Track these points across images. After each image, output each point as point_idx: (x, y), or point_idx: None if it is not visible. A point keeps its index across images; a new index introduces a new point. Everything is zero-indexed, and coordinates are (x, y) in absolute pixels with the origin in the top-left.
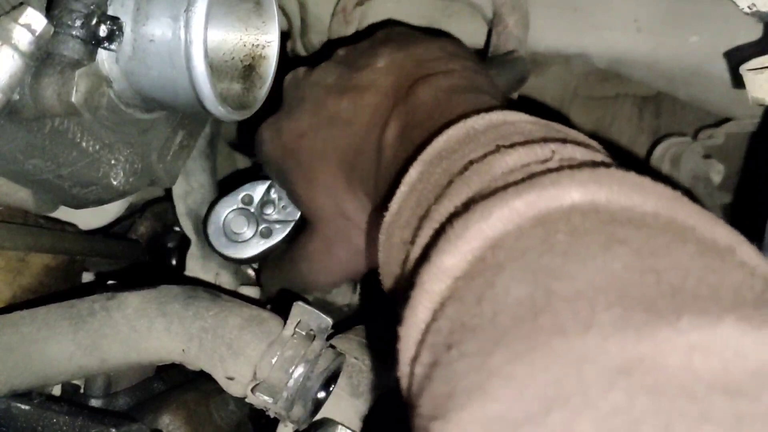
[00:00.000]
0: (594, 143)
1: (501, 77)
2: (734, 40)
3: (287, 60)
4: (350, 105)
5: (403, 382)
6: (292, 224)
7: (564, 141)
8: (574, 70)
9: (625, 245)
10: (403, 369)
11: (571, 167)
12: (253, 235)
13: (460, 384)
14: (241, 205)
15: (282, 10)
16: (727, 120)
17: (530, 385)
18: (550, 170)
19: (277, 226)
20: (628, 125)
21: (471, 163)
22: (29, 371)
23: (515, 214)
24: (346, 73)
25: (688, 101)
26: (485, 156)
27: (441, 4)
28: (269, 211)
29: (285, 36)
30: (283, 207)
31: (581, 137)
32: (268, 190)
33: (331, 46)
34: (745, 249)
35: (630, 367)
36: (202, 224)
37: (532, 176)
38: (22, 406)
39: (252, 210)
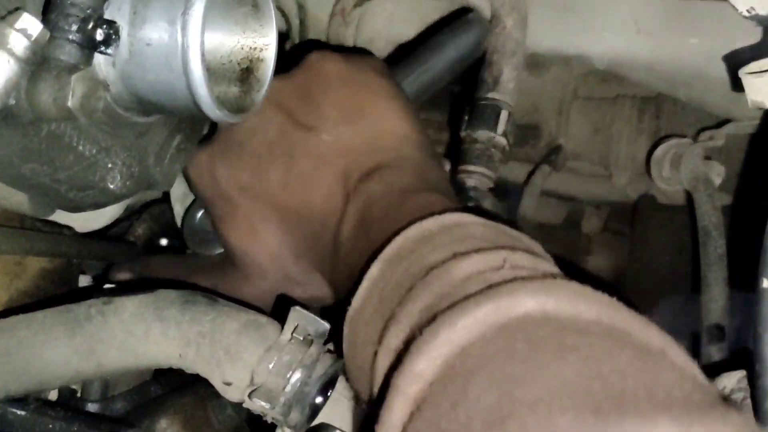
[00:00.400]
0: (537, 247)
1: (459, 42)
2: (733, 43)
3: (286, 62)
4: (299, 182)
5: None
6: None
7: (513, 248)
8: (574, 71)
9: (574, 352)
10: None
11: (523, 279)
12: None
13: None
14: None
15: (280, 10)
16: (727, 121)
17: None
18: (505, 281)
19: None
20: (627, 126)
21: (431, 268)
22: (26, 376)
23: (478, 324)
24: (289, 131)
25: (688, 103)
26: (444, 262)
27: (439, 4)
28: None
29: (283, 37)
30: None
31: (526, 240)
32: None
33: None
34: (674, 351)
35: None
36: (181, 224)
37: (490, 286)
38: (18, 412)
39: None
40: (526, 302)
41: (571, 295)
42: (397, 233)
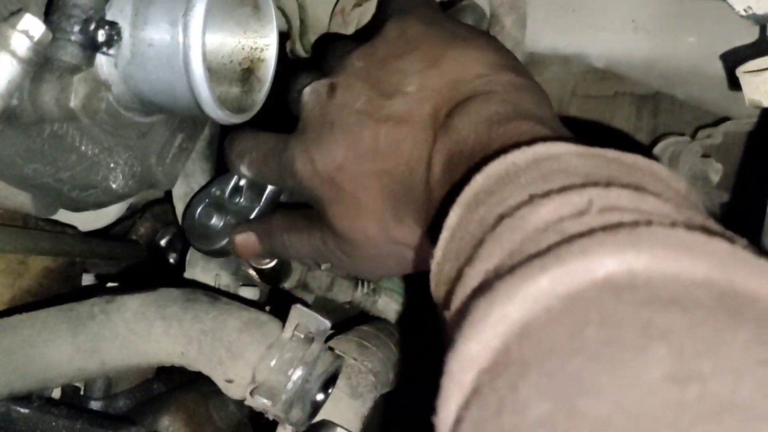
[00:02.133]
0: (652, 172)
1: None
2: (731, 42)
3: (287, 62)
4: (389, 139)
5: None
6: (255, 210)
7: (608, 184)
8: (573, 69)
9: (664, 341)
10: None
11: (605, 228)
12: (222, 226)
13: None
14: (212, 199)
15: (281, 10)
16: (725, 119)
17: None
18: (581, 234)
19: (244, 213)
20: (626, 124)
21: (503, 216)
22: (29, 374)
23: (542, 294)
24: (376, 98)
25: (686, 101)
26: (518, 208)
27: (439, 4)
28: (236, 199)
29: (284, 37)
30: (249, 195)
31: (641, 170)
32: (237, 180)
33: (329, 40)
34: None
35: None
36: (182, 222)
37: (563, 241)
38: (22, 410)
39: (222, 202)
40: (607, 262)
41: (673, 247)
42: (477, 170)
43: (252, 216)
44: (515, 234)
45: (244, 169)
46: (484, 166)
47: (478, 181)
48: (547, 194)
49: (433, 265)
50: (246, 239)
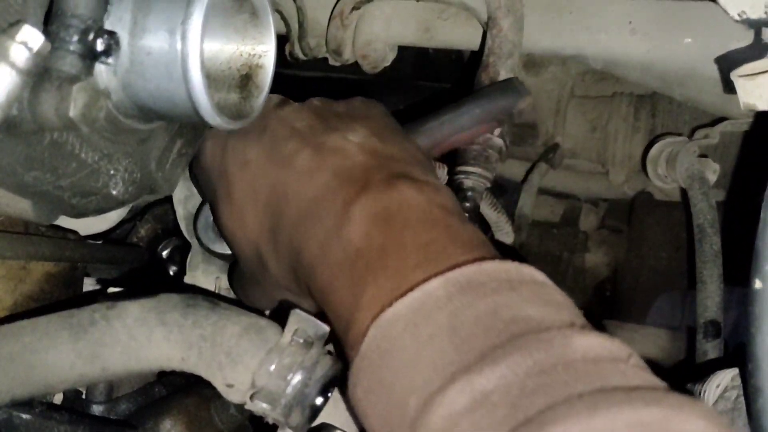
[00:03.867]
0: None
1: (498, 102)
2: (727, 44)
3: (286, 65)
4: (309, 159)
5: None
6: None
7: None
8: (571, 70)
9: None
10: None
11: (648, 388)
12: None
13: None
14: None
15: (280, 13)
16: (722, 119)
17: None
18: (655, 388)
19: None
20: (624, 124)
21: (547, 328)
22: (30, 381)
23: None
24: (317, 126)
25: (684, 101)
26: (560, 329)
27: (437, 6)
28: None
29: (283, 40)
30: None
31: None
32: None
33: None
34: None
35: None
36: (193, 218)
37: (637, 388)
38: (24, 416)
39: None
40: (695, 423)
41: (684, 407)
42: (467, 261)
43: None
44: (567, 350)
45: None
46: (476, 260)
47: (472, 269)
48: (583, 327)
49: (389, 314)
50: None
